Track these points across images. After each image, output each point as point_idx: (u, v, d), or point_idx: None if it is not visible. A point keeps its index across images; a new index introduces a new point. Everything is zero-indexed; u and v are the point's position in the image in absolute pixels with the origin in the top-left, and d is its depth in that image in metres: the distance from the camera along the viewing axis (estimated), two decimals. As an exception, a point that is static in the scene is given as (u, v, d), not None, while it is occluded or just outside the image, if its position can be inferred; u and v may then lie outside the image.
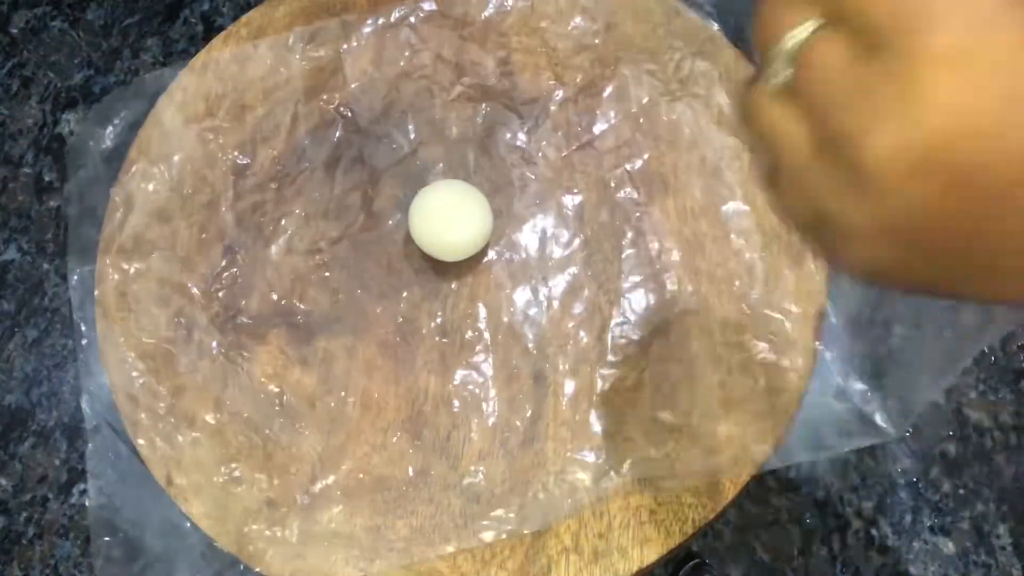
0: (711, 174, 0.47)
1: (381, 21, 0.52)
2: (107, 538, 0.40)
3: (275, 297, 0.46)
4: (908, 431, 0.41)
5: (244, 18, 0.53)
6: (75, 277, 0.45)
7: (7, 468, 0.48)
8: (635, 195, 0.47)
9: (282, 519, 0.41)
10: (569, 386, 0.43)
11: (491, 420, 0.43)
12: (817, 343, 0.43)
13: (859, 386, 0.42)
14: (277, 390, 0.44)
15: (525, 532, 0.40)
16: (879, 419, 0.41)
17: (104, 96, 0.57)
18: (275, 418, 0.43)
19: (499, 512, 0.41)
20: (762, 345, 0.43)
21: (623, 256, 0.46)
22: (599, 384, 0.43)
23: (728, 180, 0.47)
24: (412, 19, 0.52)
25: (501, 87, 0.50)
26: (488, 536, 0.40)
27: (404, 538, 0.41)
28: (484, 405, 0.43)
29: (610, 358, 0.43)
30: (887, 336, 0.50)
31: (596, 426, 0.42)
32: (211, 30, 0.58)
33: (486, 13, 0.52)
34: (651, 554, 0.40)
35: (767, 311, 0.44)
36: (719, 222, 0.46)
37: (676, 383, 0.43)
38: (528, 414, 0.43)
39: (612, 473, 0.41)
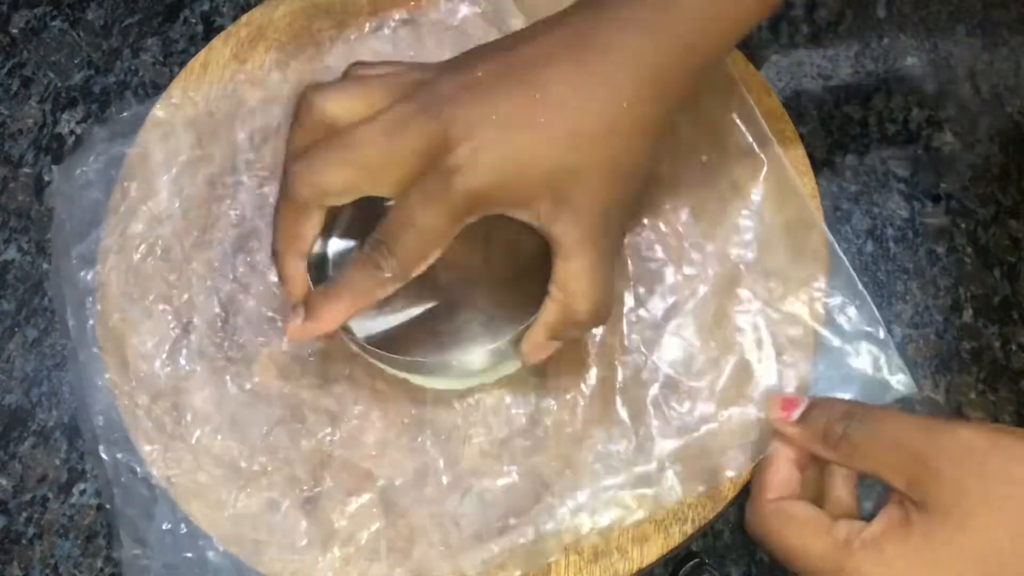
0: (711, 169, 0.47)
1: (380, 27, 0.52)
2: None
3: (277, 302, 0.46)
4: (916, 388, 0.41)
5: (244, 18, 0.53)
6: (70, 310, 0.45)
7: (7, 468, 0.49)
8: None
9: (282, 519, 0.41)
10: (589, 375, 0.43)
11: (500, 419, 0.43)
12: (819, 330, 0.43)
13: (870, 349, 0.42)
14: (282, 394, 0.44)
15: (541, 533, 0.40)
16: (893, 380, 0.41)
17: (104, 96, 0.56)
18: (275, 417, 0.43)
19: (512, 519, 0.41)
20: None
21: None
22: (620, 373, 0.43)
23: (727, 169, 0.47)
24: (413, 27, 0.51)
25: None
26: (510, 540, 0.40)
27: (405, 538, 0.41)
28: (492, 404, 0.43)
29: (627, 344, 0.43)
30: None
31: (622, 414, 0.42)
32: (211, 30, 0.58)
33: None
34: (651, 554, 0.40)
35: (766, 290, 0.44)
36: (719, 206, 0.46)
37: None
38: (546, 406, 0.43)
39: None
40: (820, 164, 0.53)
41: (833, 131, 0.54)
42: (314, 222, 0.37)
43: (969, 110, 0.54)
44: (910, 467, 0.32)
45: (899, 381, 0.41)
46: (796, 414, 0.37)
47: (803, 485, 0.38)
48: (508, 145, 0.34)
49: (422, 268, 0.36)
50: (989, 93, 0.54)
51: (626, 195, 0.36)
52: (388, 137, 0.34)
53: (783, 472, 0.37)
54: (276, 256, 0.38)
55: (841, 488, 0.37)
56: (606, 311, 0.37)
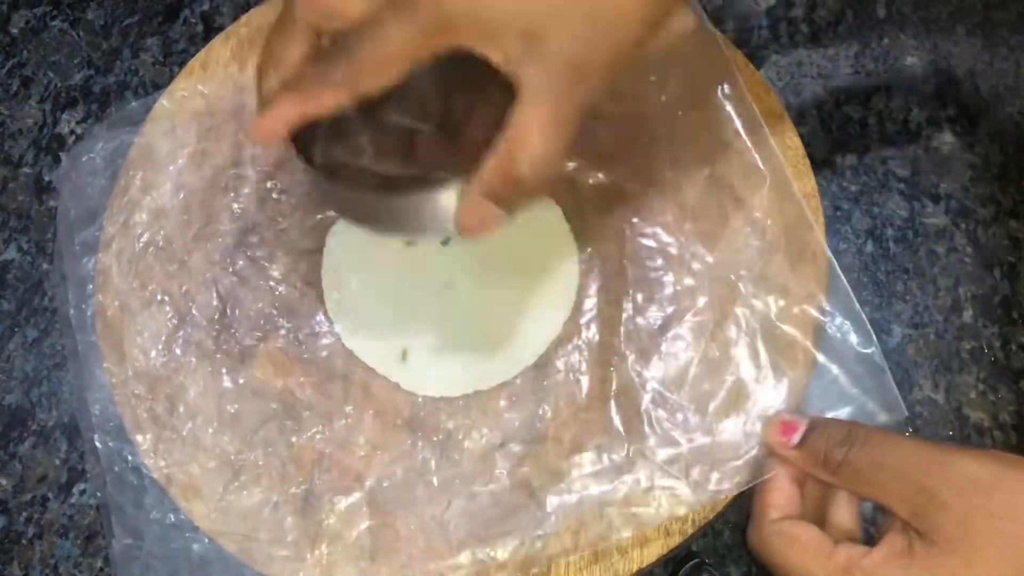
0: (713, 173, 0.47)
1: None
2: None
3: (275, 298, 0.46)
4: (906, 414, 0.41)
5: (244, 18, 0.53)
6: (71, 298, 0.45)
7: (7, 468, 0.49)
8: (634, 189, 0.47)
9: (271, 515, 0.41)
10: (584, 381, 0.43)
11: (494, 424, 0.43)
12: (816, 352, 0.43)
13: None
14: (277, 390, 0.44)
15: (539, 534, 0.40)
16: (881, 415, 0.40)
17: (104, 96, 0.57)
18: (268, 413, 0.43)
19: (500, 525, 0.40)
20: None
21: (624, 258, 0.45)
22: (615, 382, 0.43)
23: (729, 181, 0.47)
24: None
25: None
26: (497, 546, 0.40)
27: (393, 539, 0.41)
28: (487, 408, 0.43)
29: (624, 352, 0.43)
30: (887, 336, 0.50)
31: (616, 423, 0.42)
32: (211, 30, 0.58)
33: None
34: (651, 554, 0.40)
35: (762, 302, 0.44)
36: (720, 218, 0.46)
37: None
38: (541, 412, 0.43)
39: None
40: (820, 164, 0.53)
41: (833, 131, 0.54)
42: (299, 42, 0.35)
43: (969, 110, 0.54)
44: (914, 497, 0.32)
45: (891, 407, 0.40)
46: (796, 438, 0.37)
47: (804, 501, 0.38)
48: None
49: (371, 86, 0.33)
50: (989, 93, 0.54)
51: (604, 52, 0.33)
52: None
53: (785, 491, 0.37)
54: (258, 74, 0.36)
55: (843, 511, 0.37)
56: (549, 171, 0.33)
